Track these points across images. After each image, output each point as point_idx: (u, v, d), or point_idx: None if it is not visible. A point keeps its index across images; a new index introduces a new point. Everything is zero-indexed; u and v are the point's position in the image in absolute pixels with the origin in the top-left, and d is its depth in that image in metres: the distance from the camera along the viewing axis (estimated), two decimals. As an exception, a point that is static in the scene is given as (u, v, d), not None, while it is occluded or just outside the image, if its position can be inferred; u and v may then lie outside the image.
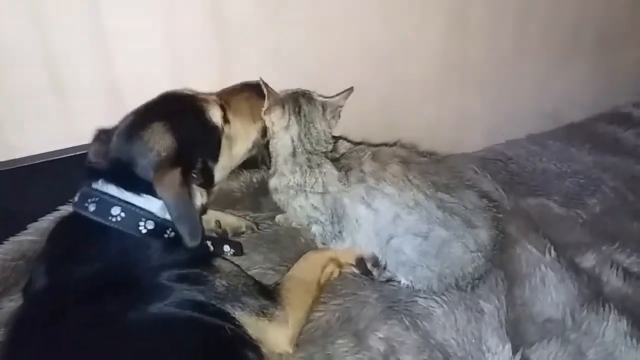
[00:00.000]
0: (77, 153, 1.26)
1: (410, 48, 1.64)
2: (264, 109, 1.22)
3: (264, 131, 1.26)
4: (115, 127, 1.11)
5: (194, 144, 1.07)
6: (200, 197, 1.08)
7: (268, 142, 1.26)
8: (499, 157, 1.78)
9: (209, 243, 1.14)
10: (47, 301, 0.94)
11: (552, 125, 1.98)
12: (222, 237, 1.24)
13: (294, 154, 1.21)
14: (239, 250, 1.21)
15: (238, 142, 1.21)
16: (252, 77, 1.33)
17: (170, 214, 0.98)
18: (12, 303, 1.08)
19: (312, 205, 1.19)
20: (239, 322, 1.01)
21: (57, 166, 1.25)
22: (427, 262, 1.15)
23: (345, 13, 1.49)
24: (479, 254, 1.14)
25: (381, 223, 1.15)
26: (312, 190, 1.18)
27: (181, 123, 1.07)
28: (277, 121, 1.22)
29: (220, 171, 1.16)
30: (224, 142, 1.15)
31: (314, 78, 1.51)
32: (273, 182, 1.24)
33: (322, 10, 1.45)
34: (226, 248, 1.18)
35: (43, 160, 1.25)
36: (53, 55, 1.21)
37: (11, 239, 1.20)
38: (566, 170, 1.72)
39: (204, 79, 1.39)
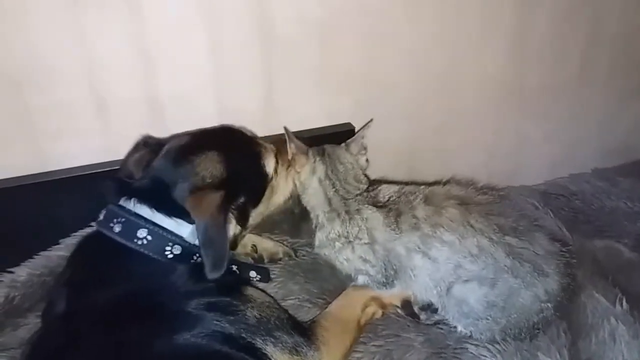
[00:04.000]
0: (115, 168, 1.21)
1: (466, 71, 1.57)
2: (289, 158, 1.19)
3: None
4: (161, 141, 1.08)
5: (242, 183, 1.04)
6: (233, 229, 1.03)
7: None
8: (561, 192, 1.67)
9: (234, 267, 1.09)
10: (66, 327, 0.89)
11: (621, 160, 1.85)
12: (251, 263, 1.19)
13: (328, 200, 1.15)
14: (265, 276, 1.15)
15: (278, 192, 1.18)
16: (296, 95, 1.27)
17: (198, 237, 0.93)
18: (39, 320, 1.03)
19: (361, 257, 1.11)
20: (269, 358, 0.94)
21: (93, 180, 1.21)
22: (493, 314, 1.04)
23: (395, 29, 1.41)
24: (549, 304, 1.04)
25: (441, 273, 1.05)
26: (357, 241, 1.10)
27: (237, 160, 1.05)
28: (303, 169, 1.18)
29: (255, 217, 1.12)
30: (267, 190, 1.13)
31: (360, 101, 1.45)
32: (317, 237, 1.18)
33: (372, 26, 1.39)
34: (252, 274, 1.13)
35: (79, 174, 1.22)
36: (94, 68, 1.19)
37: (42, 253, 1.18)
38: (638, 211, 1.59)
39: (248, 96, 1.36)
